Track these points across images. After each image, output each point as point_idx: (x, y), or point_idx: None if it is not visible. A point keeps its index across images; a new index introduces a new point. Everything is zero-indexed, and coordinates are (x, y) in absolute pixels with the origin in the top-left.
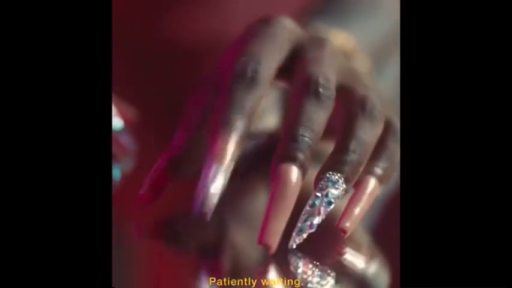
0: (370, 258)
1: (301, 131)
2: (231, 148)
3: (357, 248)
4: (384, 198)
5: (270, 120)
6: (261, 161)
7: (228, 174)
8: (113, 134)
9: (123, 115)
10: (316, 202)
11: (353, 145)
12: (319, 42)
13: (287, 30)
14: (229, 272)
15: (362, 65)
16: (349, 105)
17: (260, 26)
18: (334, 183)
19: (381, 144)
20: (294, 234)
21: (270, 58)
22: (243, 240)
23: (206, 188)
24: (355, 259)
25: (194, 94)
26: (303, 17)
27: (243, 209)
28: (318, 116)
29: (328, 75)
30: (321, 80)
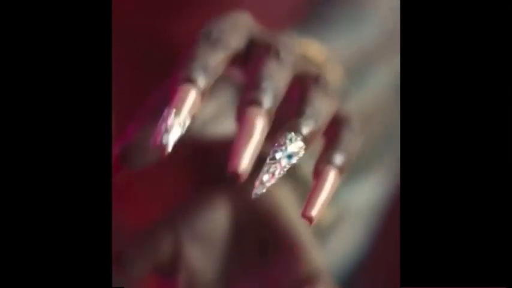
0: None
1: (264, 82)
2: (189, 103)
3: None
4: (383, 200)
5: (225, 124)
6: (219, 173)
7: (186, 126)
8: None
9: None
10: (277, 155)
11: (309, 110)
12: (274, 37)
13: (245, 22)
14: None
15: (332, 73)
16: (304, 81)
17: (218, 17)
18: (293, 140)
19: (337, 136)
20: (256, 183)
21: (232, 33)
22: (198, 257)
23: (165, 127)
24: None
25: (157, 89)
26: (282, 26)
27: (199, 224)
28: (279, 75)
29: (289, 47)
30: (281, 48)
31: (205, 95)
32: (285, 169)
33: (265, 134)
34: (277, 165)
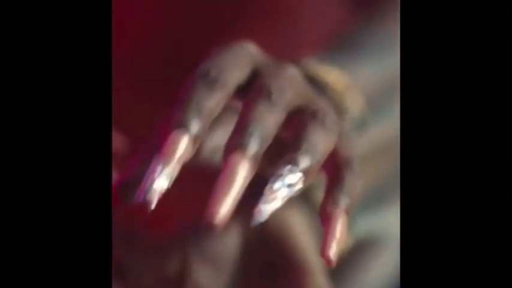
0: None
1: (252, 127)
2: (180, 151)
3: None
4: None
5: None
6: None
7: (174, 177)
8: None
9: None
10: (276, 185)
11: (305, 145)
12: (279, 67)
13: (249, 53)
14: None
15: (352, 103)
16: (302, 116)
17: (222, 48)
18: (291, 171)
19: (340, 178)
20: (255, 211)
21: (233, 70)
22: (206, 276)
23: (150, 182)
24: None
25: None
26: (303, 53)
27: (208, 244)
28: (267, 119)
29: (283, 87)
30: (274, 89)
31: (198, 139)
32: (285, 199)
33: (247, 181)
34: (276, 194)
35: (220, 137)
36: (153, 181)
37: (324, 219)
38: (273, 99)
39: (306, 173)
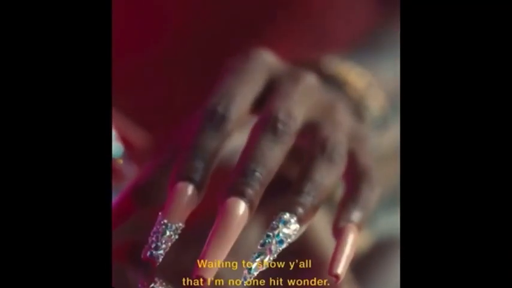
0: None
1: (253, 166)
2: (184, 203)
3: None
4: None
5: None
6: None
7: (180, 229)
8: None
9: (126, 140)
10: (267, 241)
11: (308, 187)
12: (294, 77)
13: (265, 64)
14: None
15: (374, 101)
16: (311, 145)
17: (238, 61)
18: (286, 222)
19: (356, 191)
20: (245, 271)
21: (244, 94)
22: (226, 272)
23: (156, 240)
24: None
25: (180, 127)
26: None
27: None
28: (272, 152)
29: (291, 111)
30: (281, 116)
31: (204, 185)
32: (276, 254)
33: (243, 225)
34: (267, 251)
35: (240, 138)
36: (157, 242)
37: (336, 234)
38: (279, 129)
39: (302, 219)
